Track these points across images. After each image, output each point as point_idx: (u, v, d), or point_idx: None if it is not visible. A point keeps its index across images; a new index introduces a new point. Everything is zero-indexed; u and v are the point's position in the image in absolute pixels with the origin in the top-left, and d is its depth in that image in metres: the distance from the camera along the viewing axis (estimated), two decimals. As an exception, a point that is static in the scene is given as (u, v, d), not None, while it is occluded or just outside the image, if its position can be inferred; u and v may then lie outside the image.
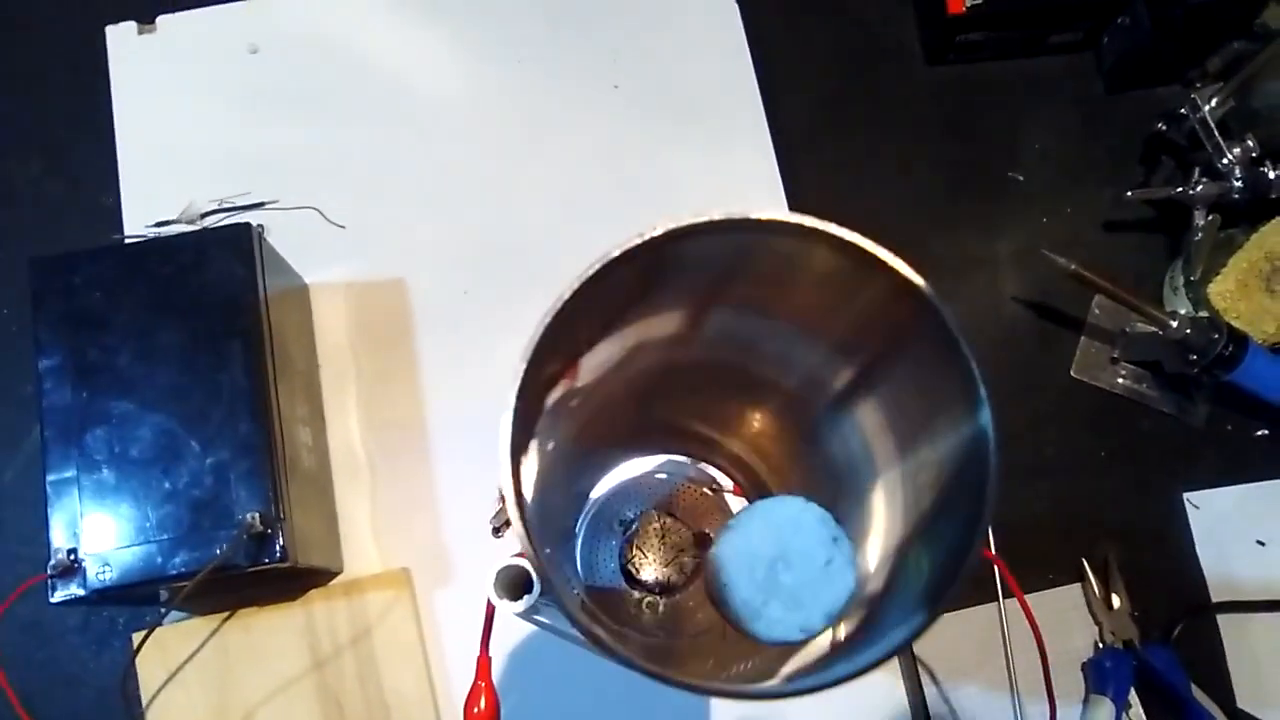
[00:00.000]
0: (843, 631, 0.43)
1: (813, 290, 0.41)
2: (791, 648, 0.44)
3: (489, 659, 0.50)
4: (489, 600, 0.45)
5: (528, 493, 0.36)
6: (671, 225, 0.35)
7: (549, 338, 0.33)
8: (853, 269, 0.37)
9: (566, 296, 0.34)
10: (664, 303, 0.42)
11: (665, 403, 0.54)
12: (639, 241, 0.35)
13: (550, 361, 0.36)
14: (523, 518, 0.32)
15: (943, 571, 0.37)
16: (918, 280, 0.36)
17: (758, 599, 0.41)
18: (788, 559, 0.41)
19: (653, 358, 0.47)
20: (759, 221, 0.36)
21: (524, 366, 0.33)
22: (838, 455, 0.47)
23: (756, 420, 0.53)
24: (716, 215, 0.35)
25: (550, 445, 0.43)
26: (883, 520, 0.43)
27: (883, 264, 0.36)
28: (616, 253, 0.35)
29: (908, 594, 0.39)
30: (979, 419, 0.35)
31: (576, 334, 0.39)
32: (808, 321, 0.44)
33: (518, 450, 0.33)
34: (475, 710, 0.48)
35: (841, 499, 0.46)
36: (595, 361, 0.44)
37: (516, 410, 0.33)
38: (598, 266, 0.34)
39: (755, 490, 0.56)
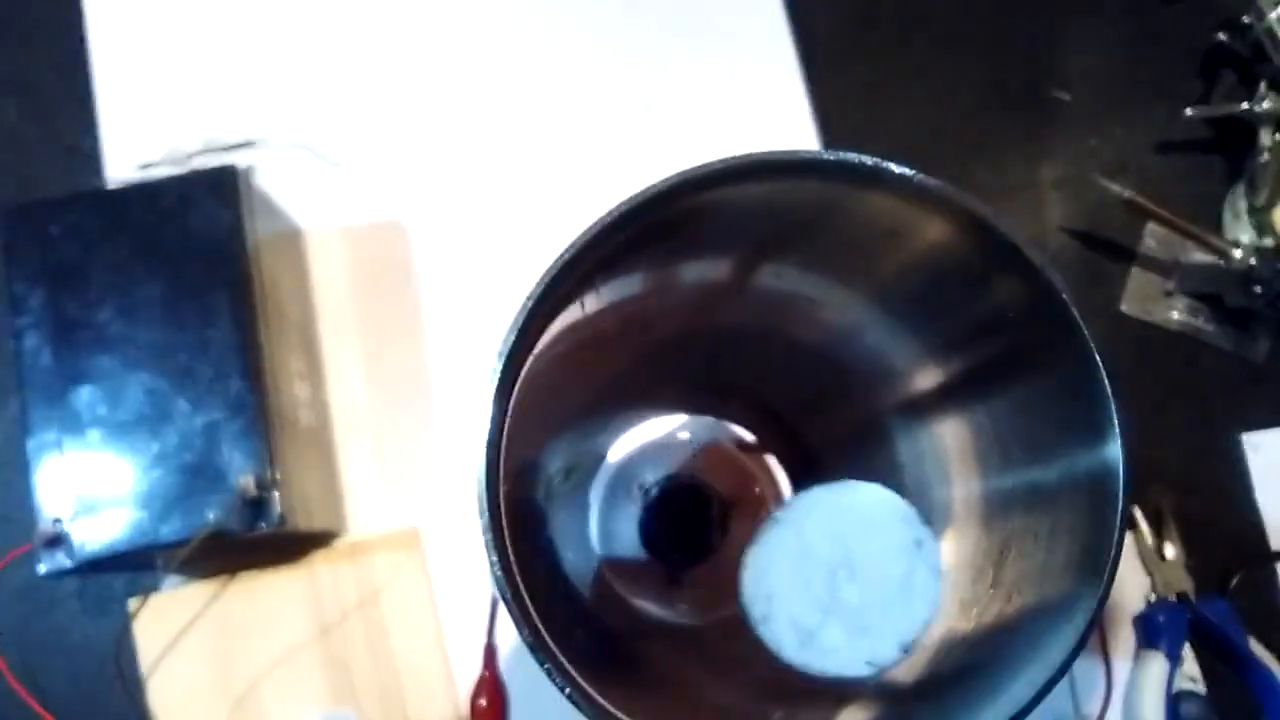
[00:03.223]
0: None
1: (910, 266, 0.34)
2: None
3: (494, 647, 0.46)
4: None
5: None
6: (684, 173, 0.29)
7: (533, 318, 0.28)
8: (966, 251, 0.30)
9: (543, 283, 0.28)
10: (698, 251, 0.36)
11: (696, 354, 0.48)
12: (645, 197, 0.29)
13: (539, 327, 0.30)
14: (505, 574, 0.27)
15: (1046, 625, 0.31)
16: (1057, 283, 0.29)
17: (812, 618, 0.31)
18: (852, 566, 0.31)
19: (684, 304, 0.41)
20: (770, 164, 0.30)
21: (501, 364, 0.27)
22: (905, 461, 0.41)
23: (803, 392, 0.47)
24: (749, 157, 0.29)
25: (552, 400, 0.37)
26: (950, 554, 0.37)
27: (1016, 256, 0.29)
28: (607, 219, 0.28)
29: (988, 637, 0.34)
30: (1105, 453, 0.28)
31: (573, 293, 0.33)
32: (895, 303, 0.36)
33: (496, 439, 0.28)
34: (480, 703, 0.44)
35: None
36: (601, 303, 0.39)
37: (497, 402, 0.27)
38: (586, 238, 0.28)
39: (797, 461, 0.51)
